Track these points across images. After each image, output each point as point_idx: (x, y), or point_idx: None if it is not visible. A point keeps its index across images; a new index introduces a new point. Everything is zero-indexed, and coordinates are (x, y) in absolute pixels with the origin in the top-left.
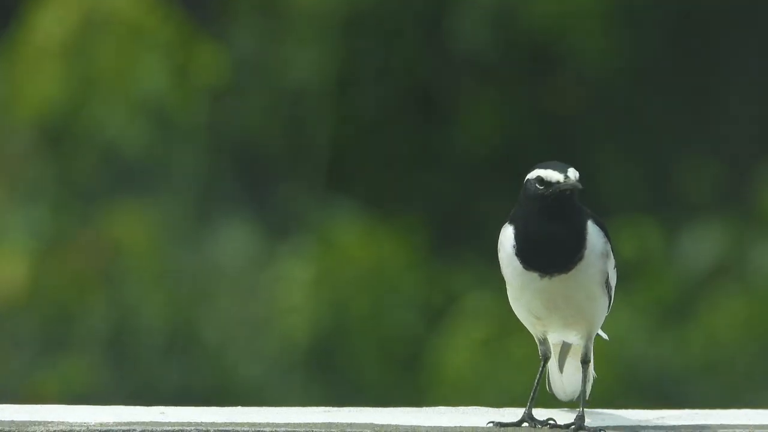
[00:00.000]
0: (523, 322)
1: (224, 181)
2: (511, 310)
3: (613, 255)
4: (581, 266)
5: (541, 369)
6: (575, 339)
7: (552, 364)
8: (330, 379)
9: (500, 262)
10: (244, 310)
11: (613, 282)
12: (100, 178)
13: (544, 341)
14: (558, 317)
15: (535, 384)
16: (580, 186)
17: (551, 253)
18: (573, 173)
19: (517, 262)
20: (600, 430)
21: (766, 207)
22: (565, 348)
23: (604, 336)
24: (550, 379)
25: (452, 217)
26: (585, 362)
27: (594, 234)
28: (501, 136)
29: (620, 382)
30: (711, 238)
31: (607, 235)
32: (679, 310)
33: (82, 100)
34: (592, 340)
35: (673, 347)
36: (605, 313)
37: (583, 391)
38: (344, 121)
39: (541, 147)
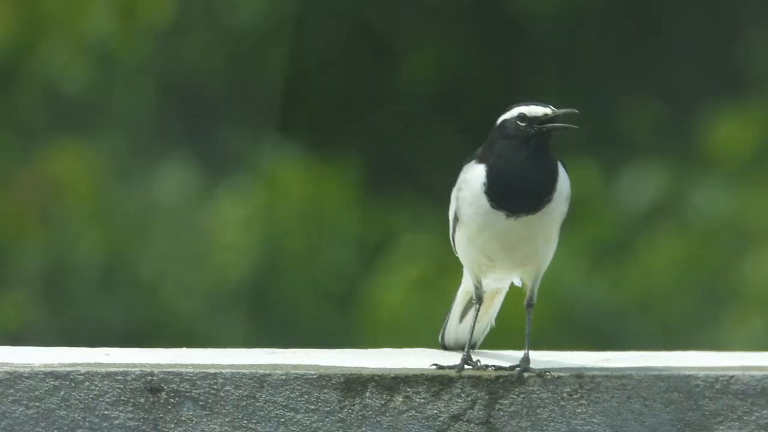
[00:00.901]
0: (469, 264)
1: (166, 120)
2: (450, 250)
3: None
4: (548, 208)
5: (476, 313)
6: (516, 281)
7: (454, 315)
8: (264, 315)
9: (458, 202)
10: (180, 246)
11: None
12: (42, 117)
13: (480, 285)
14: (512, 259)
15: (472, 327)
16: (576, 111)
17: (525, 193)
18: (554, 110)
19: (484, 201)
20: (545, 372)
21: (706, 148)
22: (470, 303)
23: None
24: (446, 328)
25: (392, 157)
26: (529, 305)
27: (563, 176)
28: (444, 77)
29: (556, 321)
30: (650, 178)
31: (568, 175)
32: (616, 250)
33: (27, 40)
34: (539, 282)
35: (609, 287)
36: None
37: (528, 333)
38: (289, 61)
39: (483, 88)
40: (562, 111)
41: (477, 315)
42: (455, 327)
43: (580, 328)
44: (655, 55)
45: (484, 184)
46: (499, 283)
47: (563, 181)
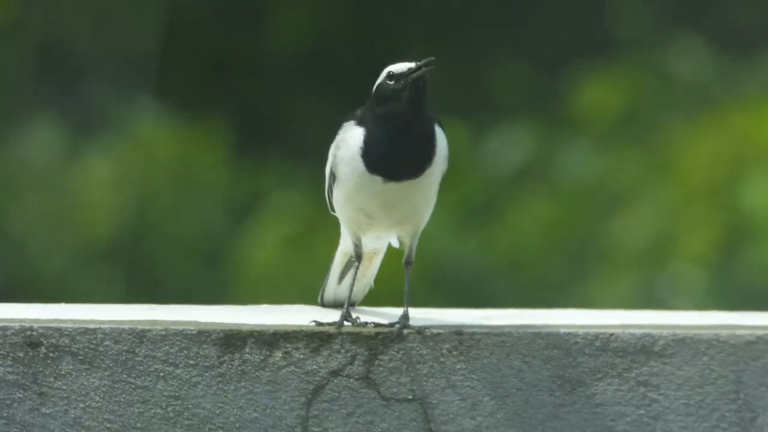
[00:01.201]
0: (348, 223)
1: (35, 78)
2: (319, 208)
3: None
4: (428, 171)
5: (355, 271)
6: (394, 240)
7: (333, 275)
8: (134, 273)
9: (336, 160)
10: (49, 205)
11: None
12: None
13: (359, 243)
14: (390, 217)
15: (351, 284)
16: (432, 66)
17: (402, 161)
18: (417, 63)
19: (360, 165)
20: (425, 328)
21: (573, 110)
22: (350, 263)
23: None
24: (326, 287)
25: (261, 117)
26: (408, 263)
27: (440, 137)
28: (312, 36)
29: (424, 280)
30: (519, 139)
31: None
32: (485, 211)
33: None
34: (417, 239)
35: (479, 246)
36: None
37: (407, 290)
38: (159, 21)
39: (351, 48)
40: (423, 61)
41: (356, 273)
42: (334, 287)
43: (449, 286)
44: (523, 17)
45: (361, 148)
46: (377, 243)
47: (441, 142)
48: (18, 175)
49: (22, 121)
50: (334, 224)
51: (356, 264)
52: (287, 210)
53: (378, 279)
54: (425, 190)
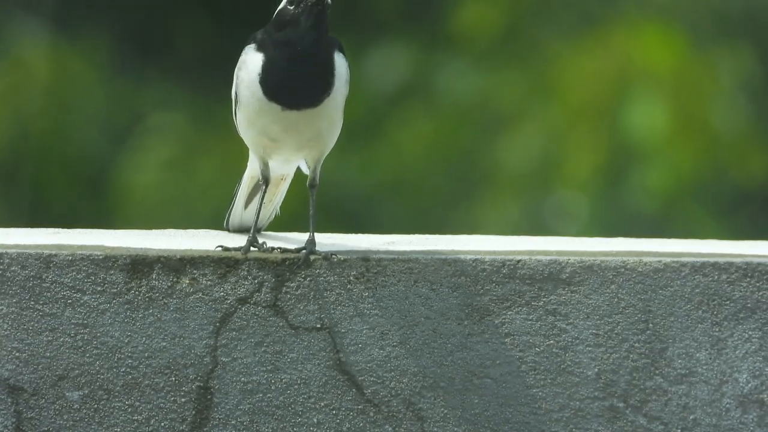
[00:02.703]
0: (253, 146)
1: None
2: (202, 130)
3: None
4: (328, 99)
5: (262, 195)
6: (303, 165)
7: (239, 200)
8: (14, 197)
9: (238, 81)
10: None
11: None
12: None
13: (266, 167)
14: (294, 140)
15: (258, 209)
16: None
17: (300, 90)
18: None
19: (259, 90)
20: (331, 254)
21: (453, 28)
22: (256, 188)
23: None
24: (232, 213)
25: (140, 35)
26: (312, 186)
27: (340, 63)
28: None
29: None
30: (398, 58)
31: (345, 57)
32: (366, 132)
33: None
34: (321, 163)
35: (360, 168)
36: (337, 135)
37: (312, 215)
38: None
39: None
40: None
41: (264, 196)
42: (240, 212)
43: (332, 210)
44: None
45: (259, 74)
46: (285, 168)
47: (341, 68)
48: None
49: None
50: (217, 147)
51: (263, 188)
52: (168, 132)
53: (283, 203)
54: (327, 116)
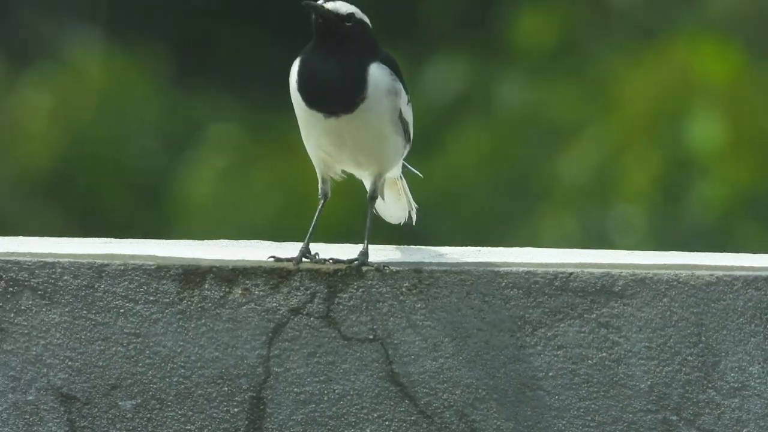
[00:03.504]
0: (312, 158)
1: None
2: (258, 141)
3: (406, 91)
4: (366, 106)
5: (320, 208)
6: (367, 176)
7: (387, 198)
8: (71, 207)
9: (292, 93)
10: None
11: (409, 118)
12: None
13: (326, 181)
14: (348, 155)
15: (314, 221)
16: (326, 10)
17: (329, 92)
18: (338, 5)
19: (299, 98)
20: (384, 266)
21: (510, 39)
22: (383, 180)
23: (418, 173)
24: (377, 207)
25: (197, 46)
26: (372, 198)
27: (377, 72)
28: None
29: (360, 214)
30: (455, 70)
31: (396, 71)
32: (422, 142)
33: None
34: (382, 178)
35: (417, 180)
36: (400, 152)
37: (369, 226)
38: None
39: None
40: (315, 5)
41: (320, 209)
42: (382, 205)
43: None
44: None
45: (297, 80)
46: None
47: (379, 77)
48: None
49: None
50: (272, 157)
51: (321, 201)
52: (224, 142)
53: (338, 215)
54: (372, 128)
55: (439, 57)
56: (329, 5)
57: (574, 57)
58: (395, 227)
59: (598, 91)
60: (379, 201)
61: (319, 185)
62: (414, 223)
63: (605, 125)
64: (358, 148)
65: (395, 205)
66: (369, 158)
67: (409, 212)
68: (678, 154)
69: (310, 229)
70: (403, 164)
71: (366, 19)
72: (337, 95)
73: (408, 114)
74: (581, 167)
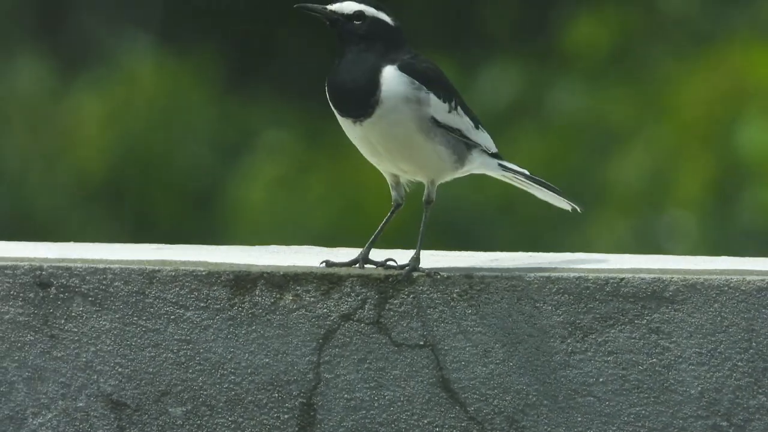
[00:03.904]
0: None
1: (21, 12)
2: (312, 148)
3: (445, 98)
4: (381, 111)
5: (389, 214)
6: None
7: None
8: (125, 213)
9: None
10: (40, 141)
11: (458, 125)
12: None
13: (397, 187)
14: (388, 161)
15: (380, 227)
16: (327, 11)
17: (345, 96)
18: (343, 5)
19: (330, 104)
20: (435, 272)
21: (564, 46)
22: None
23: (566, 207)
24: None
25: (251, 53)
26: (427, 202)
27: (393, 77)
28: None
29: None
30: (509, 76)
31: (423, 77)
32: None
33: None
34: (435, 185)
35: (468, 185)
36: (448, 159)
37: (422, 232)
38: None
39: None
40: (319, 9)
41: (389, 216)
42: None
43: (439, 227)
44: None
45: (327, 88)
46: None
47: (395, 83)
48: (8, 111)
49: (11, 55)
50: (325, 165)
51: (392, 208)
52: (279, 149)
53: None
54: (396, 135)
55: (494, 63)
56: (334, 6)
57: (628, 62)
58: (448, 233)
59: (651, 97)
60: (539, 194)
61: (392, 192)
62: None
63: (658, 131)
64: (391, 155)
65: (546, 195)
66: (410, 165)
67: (570, 204)
68: (731, 159)
69: (373, 236)
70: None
71: (383, 17)
72: (352, 98)
73: (455, 120)
74: (634, 173)
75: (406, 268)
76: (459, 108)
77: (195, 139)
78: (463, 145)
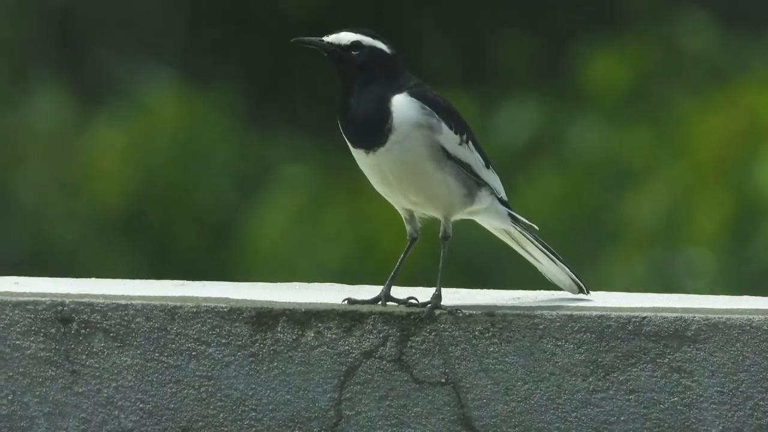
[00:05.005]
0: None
1: (41, 45)
2: (330, 183)
3: (456, 129)
4: (395, 137)
5: (406, 249)
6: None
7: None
8: (143, 245)
9: None
10: (60, 174)
11: (468, 159)
12: None
13: (411, 220)
14: (400, 194)
15: (398, 263)
16: (324, 43)
17: (358, 127)
18: (340, 36)
19: (343, 136)
20: (456, 309)
21: (582, 83)
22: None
23: (534, 225)
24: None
25: (270, 88)
26: (444, 238)
27: (403, 105)
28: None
29: (434, 257)
30: (527, 113)
31: (434, 105)
32: None
33: None
34: (449, 221)
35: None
36: (457, 193)
37: (440, 268)
38: None
39: (359, 18)
40: (316, 41)
41: (407, 251)
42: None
43: (458, 264)
44: None
45: (338, 120)
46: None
47: (406, 109)
48: (27, 144)
49: (31, 88)
50: (344, 199)
51: (408, 242)
52: (296, 184)
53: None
54: (408, 163)
55: (512, 101)
56: (330, 38)
57: (646, 100)
58: (467, 270)
59: (669, 135)
60: (545, 263)
61: (406, 226)
62: (587, 293)
63: (675, 168)
64: (402, 185)
65: (552, 266)
66: (420, 197)
67: (576, 282)
68: (747, 196)
69: (393, 272)
70: (514, 215)
71: (380, 45)
72: (365, 129)
73: (465, 154)
74: (651, 210)
75: (428, 306)
76: (470, 143)
77: (214, 172)
78: (473, 182)
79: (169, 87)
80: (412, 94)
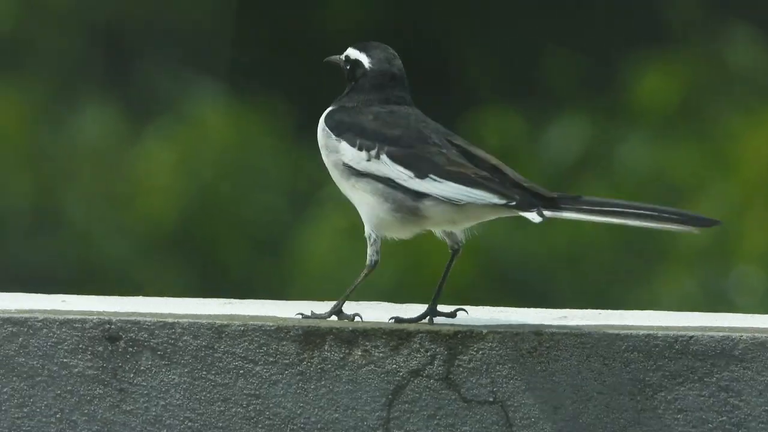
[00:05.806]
0: None
1: (90, 61)
2: None
3: (360, 146)
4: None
5: (448, 263)
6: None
7: None
8: (192, 261)
9: None
10: (109, 190)
11: (382, 171)
12: None
13: (448, 234)
14: None
15: (442, 277)
16: (336, 59)
17: None
18: (346, 51)
19: None
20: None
21: (631, 100)
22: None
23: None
24: None
25: (318, 102)
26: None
27: (319, 125)
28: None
29: (484, 275)
30: (576, 131)
31: (337, 127)
32: None
33: None
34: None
35: (538, 241)
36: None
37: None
38: (216, 3)
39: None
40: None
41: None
42: None
43: (507, 283)
44: (578, 6)
45: None
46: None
47: (318, 131)
48: (75, 159)
49: (81, 104)
50: None
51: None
52: (346, 201)
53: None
54: (336, 183)
55: (561, 118)
56: (344, 54)
57: (694, 117)
58: (519, 288)
59: (717, 152)
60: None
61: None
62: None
63: (725, 185)
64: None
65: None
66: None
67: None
68: None
69: (437, 288)
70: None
71: (362, 58)
72: None
73: (380, 169)
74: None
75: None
76: (384, 156)
77: (264, 188)
78: (405, 195)
79: (219, 101)
80: (327, 114)
